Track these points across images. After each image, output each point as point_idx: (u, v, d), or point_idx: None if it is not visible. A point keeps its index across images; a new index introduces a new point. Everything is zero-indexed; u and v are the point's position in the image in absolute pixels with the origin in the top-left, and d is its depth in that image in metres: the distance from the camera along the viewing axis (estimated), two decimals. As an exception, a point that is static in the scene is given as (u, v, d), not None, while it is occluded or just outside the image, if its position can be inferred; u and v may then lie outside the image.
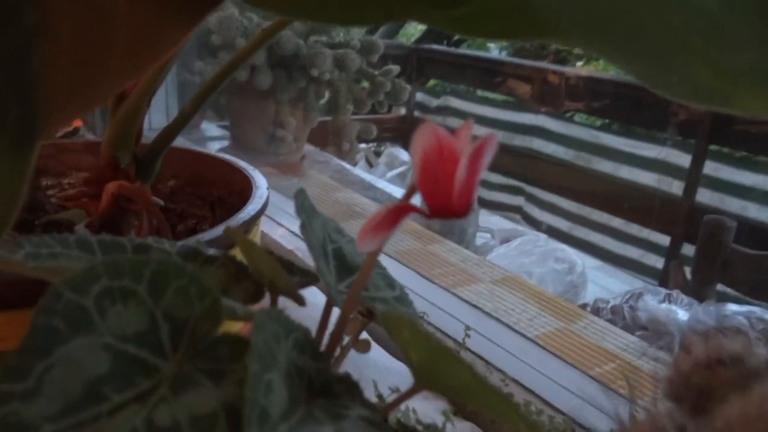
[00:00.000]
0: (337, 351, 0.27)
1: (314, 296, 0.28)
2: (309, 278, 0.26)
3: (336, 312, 0.26)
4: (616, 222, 2.79)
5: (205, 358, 0.19)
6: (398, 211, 0.22)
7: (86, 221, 0.32)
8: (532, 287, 1.04)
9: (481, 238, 1.98)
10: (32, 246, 0.21)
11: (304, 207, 0.27)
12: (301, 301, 0.24)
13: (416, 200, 0.23)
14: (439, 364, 0.22)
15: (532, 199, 3.13)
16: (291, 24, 1.31)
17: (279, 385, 0.19)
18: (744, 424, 0.14)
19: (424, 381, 0.23)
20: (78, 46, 0.17)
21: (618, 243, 2.81)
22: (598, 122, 3.27)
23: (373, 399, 0.39)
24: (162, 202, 0.35)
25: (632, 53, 0.20)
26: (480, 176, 0.22)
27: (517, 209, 3.19)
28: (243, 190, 0.46)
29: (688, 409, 0.18)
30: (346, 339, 0.28)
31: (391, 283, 0.30)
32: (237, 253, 0.27)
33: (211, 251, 0.25)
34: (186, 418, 0.17)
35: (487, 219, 2.48)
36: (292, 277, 0.26)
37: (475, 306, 0.63)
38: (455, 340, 0.53)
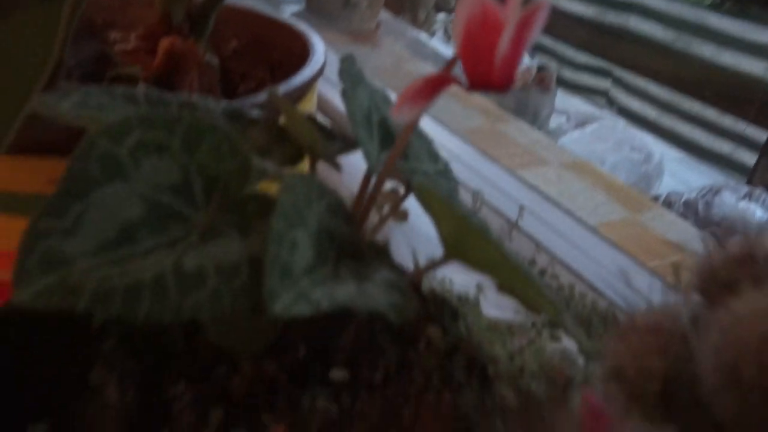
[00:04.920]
0: (376, 220, 0.27)
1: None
2: (348, 145, 0.26)
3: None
4: (709, 113, 2.60)
5: (235, 212, 0.19)
6: (437, 82, 0.21)
7: (142, 76, 0.33)
8: (603, 174, 1.00)
9: (556, 122, 1.90)
10: (80, 96, 0.22)
11: (350, 73, 0.27)
12: (337, 167, 0.24)
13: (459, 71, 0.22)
14: (466, 239, 0.22)
15: (619, 83, 2.94)
16: None
17: (305, 243, 0.19)
18: (753, 318, 0.14)
19: (453, 253, 0.23)
20: None
21: (708, 135, 2.63)
22: (708, 0, 2.95)
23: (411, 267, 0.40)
24: (217, 61, 0.35)
25: None
26: (526, 47, 0.21)
27: (603, 93, 3.01)
28: (302, 54, 0.45)
29: (710, 302, 0.18)
30: (386, 209, 0.28)
31: (434, 156, 0.29)
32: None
33: (256, 114, 0.26)
34: (212, 265, 0.18)
35: (567, 101, 2.36)
36: (332, 143, 0.26)
37: (535, 189, 0.62)
38: (508, 219, 0.53)
